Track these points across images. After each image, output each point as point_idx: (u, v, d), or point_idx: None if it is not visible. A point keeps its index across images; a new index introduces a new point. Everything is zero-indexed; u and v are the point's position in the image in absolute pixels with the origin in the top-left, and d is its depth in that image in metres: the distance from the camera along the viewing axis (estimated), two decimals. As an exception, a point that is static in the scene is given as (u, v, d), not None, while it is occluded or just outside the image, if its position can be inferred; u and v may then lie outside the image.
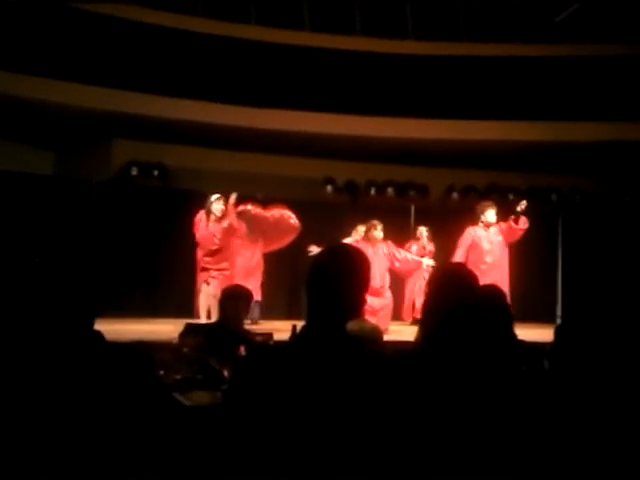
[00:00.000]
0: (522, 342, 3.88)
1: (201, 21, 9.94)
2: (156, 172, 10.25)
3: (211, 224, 7.80)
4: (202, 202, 8.27)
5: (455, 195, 11.18)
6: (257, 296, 7.78)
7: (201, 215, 7.85)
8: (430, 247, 9.06)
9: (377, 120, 10.05)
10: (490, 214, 8.01)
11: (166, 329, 6.21)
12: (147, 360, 2.00)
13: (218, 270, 7.84)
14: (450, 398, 1.94)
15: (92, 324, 1.96)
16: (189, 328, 4.42)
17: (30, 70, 8.74)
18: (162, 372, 3.01)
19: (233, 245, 8.08)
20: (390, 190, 11.02)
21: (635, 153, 10.27)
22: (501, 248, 8.01)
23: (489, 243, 7.98)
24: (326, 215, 9.51)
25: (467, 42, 10.69)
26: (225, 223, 7.79)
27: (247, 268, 8.14)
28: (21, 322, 1.90)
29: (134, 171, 10.13)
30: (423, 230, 9.25)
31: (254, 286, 7.64)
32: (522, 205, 7.90)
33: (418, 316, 8.32)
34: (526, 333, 5.65)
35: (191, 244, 8.02)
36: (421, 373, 1.99)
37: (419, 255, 8.61)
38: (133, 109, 9.15)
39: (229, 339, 3.83)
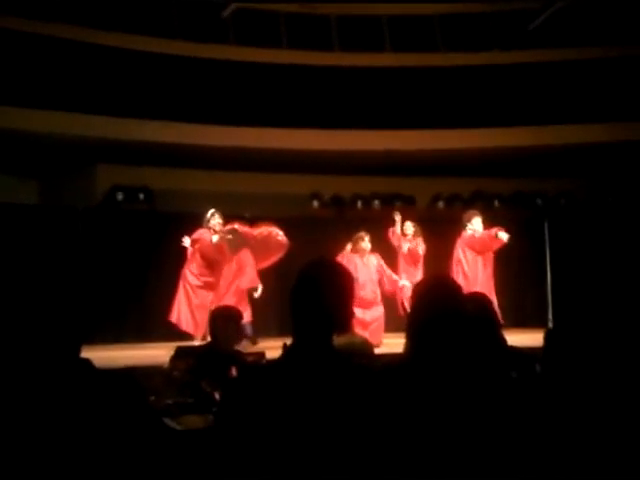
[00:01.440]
0: (514, 348, 3.89)
1: (180, 43, 9.97)
2: (141, 195, 10.23)
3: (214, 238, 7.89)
4: (189, 223, 8.27)
5: (441, 204, 11.23)
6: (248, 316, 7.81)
7: (202, 231, 7.91)
8: (422, 246, 8.84)
9: (361, 133, 10.10)
10: (477, 222, 8.06)
11: (157, 354, 6.17)
12: (137, 387, 1.98)
13: (209, 288, 7.88)
14: (440, 409, 1.94)
15: (79, 352, 1.95)
16: (180, 351, 4.39)
17: (10, 101, 8.73)
18: (153, 398, 2.99)
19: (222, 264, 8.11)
20: (376, 202, 11.06)
21: (618, 154, 10.36)
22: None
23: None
24: (314, 230, 9.52)
25: (445, 52, 10.78)
26: (215, 238, 7.86)
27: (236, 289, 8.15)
28: (6, 351, 1.88)
29: (119, 196, 10.11)
30: (409, 225, 8.78)
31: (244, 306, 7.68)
32: (503, 236, 7.93)
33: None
34: (517, 338, 5.66)
35: (180, 265, 8.02)
36: (409, 385, 1.99)
37: (409, 251, 8.56)
38: (115, 134, 9.15)
39: (220, 361, 3.81)
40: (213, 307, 7.25)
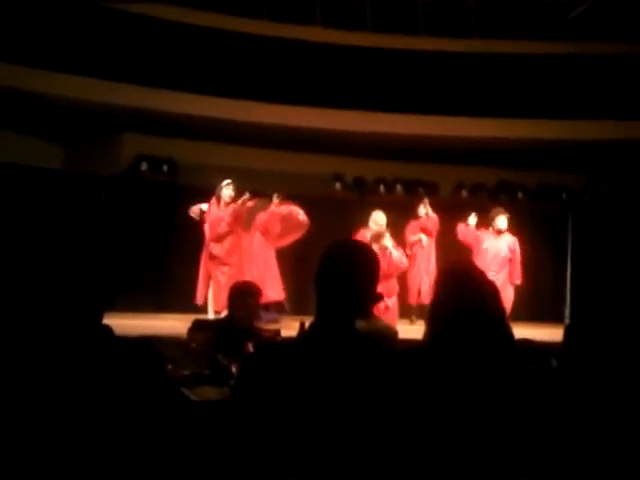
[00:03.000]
0: (529, 341, 3.87)
1: (212, 16, 9.92)
2: (165, 167, 10.25)
3: (221, 209, 7.85)
4: (211, 197, 8.27)
5: (464, 193, 11.14)
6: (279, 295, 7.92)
7: (212, 200, 7.91)
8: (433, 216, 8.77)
9: (387, 117, 10.02)
10: (501, 220, 7.99)
11: (174, 324, 6.22)
12: (155, 355, 1.99)
13: (227, 264, 7.87)
14: (458, 395, 1.93)
15: (101, 318, 1.96)
16: (197, 324, 4.42)
17: (41, 64, 8.76)
18: (170, 367, 3.02)
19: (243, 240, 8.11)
20: (399, 187, 11.00)
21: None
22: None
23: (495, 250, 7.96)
24: (334, 212, 9.50)
25: (479, 39, 10.64)
26: (229, 208, 7.82)
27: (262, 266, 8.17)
28: (29, 317, 1.90)
29: (143, 166, 10.13)
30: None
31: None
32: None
33: (424, 301, 8.40)
34: (534, 332, 5.65)
35: (200, 238, 8.04)
36: (430, 370, 1.98)
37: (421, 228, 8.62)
38: (143, 103, 9.16)
39: (237, 335, 3.83)
40: (226, 281, 7.30)
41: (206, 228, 7.91)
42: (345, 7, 10.62)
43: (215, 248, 7.87)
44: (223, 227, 7.82)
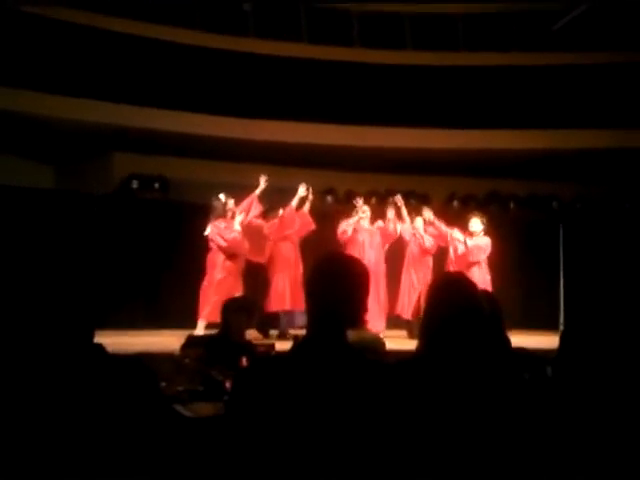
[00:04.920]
0: (523, 350, 3.87)
1: (199, 34, 9.98)
2: (157, 185, 10.25)
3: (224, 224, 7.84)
4: (203, 213, 8.27)
5: (456, 203, 11.18)
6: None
7: (218, 221, 7.85)
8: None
9: (378, 130, 10.07)
10: (474, 223, 8.34)
11: (168, 341, 6.20)
12: (149, 372, 1.99)
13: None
14: (451, 406, 1.93)
15: (92, 337, 1.96)
16: (191, 340, 4.41)
17: (29, 85, 8.77)
18: (164, 384, 3.00)
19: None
20: (391, 200, 10.99)
21: (636, 160, 10.27)
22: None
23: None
24: (327, 226, 9.49)
25: (467, 51, 10.73)
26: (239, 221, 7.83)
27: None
28: (20, 336, 1.89)
29: (134, 184, 10.14)
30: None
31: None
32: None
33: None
34: (528, 340, 5.65)
35: (194, 254, 8.05)
36: (421, 381, 1.98)
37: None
38: (132, 122, 9.18)
39: (231, 350, 3.82)
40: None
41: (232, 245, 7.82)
42: (331, 23, 10.70)
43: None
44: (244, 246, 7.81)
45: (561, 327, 10.22)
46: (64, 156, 10.60)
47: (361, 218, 8.54)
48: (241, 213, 7.95)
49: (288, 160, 10.26)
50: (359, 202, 8.75)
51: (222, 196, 7.98)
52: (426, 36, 10.84)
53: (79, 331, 1.89)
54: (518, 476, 1.91)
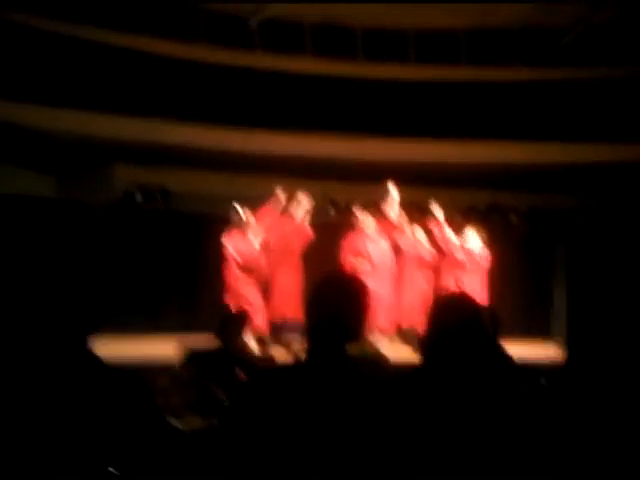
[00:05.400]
0: (518, 361, 3.87)
1: (203, 48, 10.03)
2: (159, 196, 10.27)
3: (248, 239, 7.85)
4: (205, 224, 8.31)
5: (457, 215, 11.17)
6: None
7: (235, 235, 7.85)
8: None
9: (379, 143, 10.09)
10: (469, 234, 8.60)
11: (166, 348, 6.20)
12: (144, 386, 1.99)
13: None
14: (449, 421, 1.93)
15: (89, 348, 1.96)
16: (190, 354, 4.40)
17: (32, 98, 8.81)
18: (160, 397, 2.99)
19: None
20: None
21: (636, 173, 10.28)
22: None
23: None
24: (329, 237, 9.50)
25: (467, 66, 10.76)
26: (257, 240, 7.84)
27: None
28: (18, 344, 1.89)
29: (137, 195, 10.16)
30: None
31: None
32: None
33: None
34: (523, 349, 5.64)
35: (195, 264, 8.06)
36: (420, 395, 1.98)
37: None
38: (134, 135, 9.20)
39: (229, 364, 3.81)
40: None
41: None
42: (334, 37, 10.74)
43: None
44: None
45: (555, 336, 10.24)
46: (66, 168, 10.63)
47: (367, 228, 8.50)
48: (260, 227, 7.96)
49: (289, 171, 10.28)
50: (359, 212, 8.75)
51: (239, 209, 7.99)
52: (429, 51, 10.88)
53: (76, 341, 1.89)
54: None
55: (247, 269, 7.79)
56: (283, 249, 8.32)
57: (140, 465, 1.87)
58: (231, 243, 7.83)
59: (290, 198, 8.61)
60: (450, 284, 8.45)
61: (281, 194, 8.21)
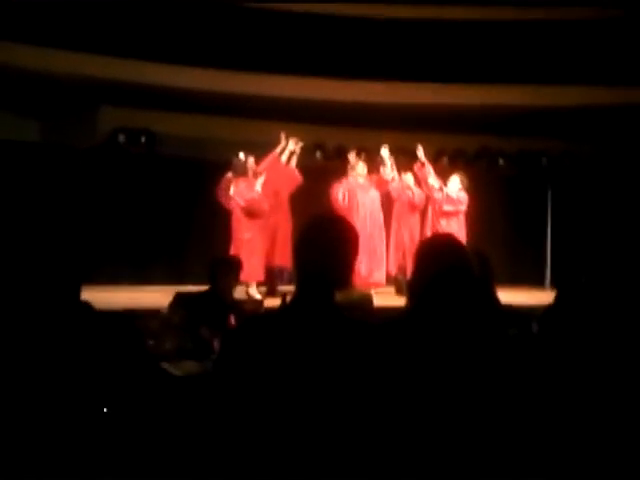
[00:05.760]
0: (510, 306, 3.91)
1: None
2: (143, 139, 10.12)
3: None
4: (190, 168, 8.22)
5: (445, 160, 11.14)
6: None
7: (233, 180, 7.85)
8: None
9: (366, 85, 9.94)
10: (452, 180, 8.71)
11: (154, 297, 6.21)
12: (136, 331, 1.99)
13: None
14: (438, 365, 1.94)
15: (79, 293, 1.94)
16: (179, 297, 4.40)
17: (12, 37, 8.56)
18: (152, 342, 3.00)
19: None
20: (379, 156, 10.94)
21: (625, 118, 10.25)
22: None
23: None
24: (316, 181, 9.46)
25: (457, 5, 10.55)
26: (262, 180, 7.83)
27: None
28: (5, 292, 1.87)
29: (121, 138, 10.00)
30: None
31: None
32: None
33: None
34: (515, 297, 5.71)
35: (180, 209, 8.01)
36: (407, 339, 1.99)
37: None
38: (119, 75, 9.00)
39: (219, 309, 3.82)
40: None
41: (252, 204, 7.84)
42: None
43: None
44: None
45: (547, 284, 10.33)
46: (49, 110, 10.43)
47: (357, 176, 8.52)
48: (263, 172, 7.94)
49: (275, 114, 10.15)
50: (353, 157, 8.70)
51: (242, 155, 7.99)
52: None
53: (66, 286, 1.88)
54: (504, 432, 1.93)
55: (250, 214, 7.80)
56: (275, 194, 8.29)
57: (134, 409, 1.88)
58: (234, 188, 7.82)
59: (279, 141, 8.52)
60: (433, 227, 8.54)
61: (282, 138, 8.14)
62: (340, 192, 8.49)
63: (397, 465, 1.82)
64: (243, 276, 7.58)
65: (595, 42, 10.23)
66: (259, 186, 7.84)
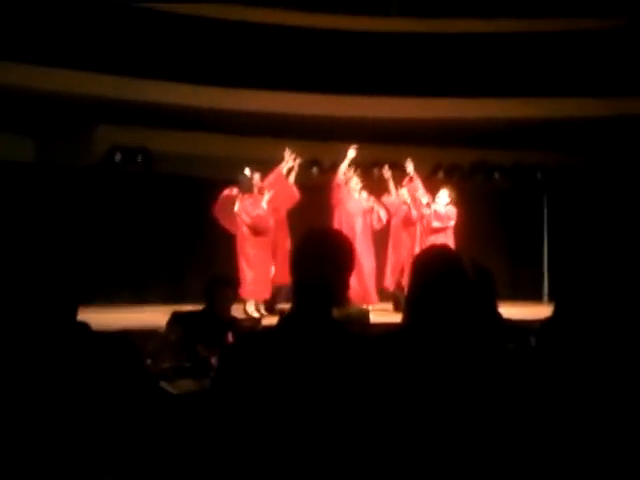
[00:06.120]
0: (508, 320, 3.90)
1: (181, 3, 9.79)
2: (140, 157, 10.13)
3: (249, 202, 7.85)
4: (187, 186, 8.21)
5: (441, 174, 11.17)
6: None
7: (239, 196, 7.87)
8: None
9: (362, 100, 9.99)
10: (442, 194, 8.69)
11: (153, 317, 6.19)
12: (133, 350, 1.98)
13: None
14: (435, 378, 1.94)
15: (75, 314, 1.94)
16: (176, 316, 4.39)
17: (9, 56, 8.59)
18: (149, 361, 2.99)
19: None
20: (376, 171, 10.96)
21: (620, 130, 10.29)
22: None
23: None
24: (313, 197, 9.48)
25: (451, 19, 10.62)
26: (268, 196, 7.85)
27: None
28: (1, 312, 1.87)
29: (117, 157, 10.01)
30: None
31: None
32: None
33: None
34: (512, 311, 5.69)
35: (178, 227, 7.99)
36: (404, 353, 1.98)
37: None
38: (115, 94, 9.02)
39: (217, 326, 3.81)
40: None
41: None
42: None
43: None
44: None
45: (545, 298, 10.32)
46: (45, 129, 10.44)
47: (353, 190, 8.55)
48: (269, 190, 7.95)
49: (271, 131, 10.18)
50: (350, 172, 8.72)
51: (247, 171, 7.99)
52: (412, 3, 10.72)
53: (62, 308, 1.87)
54: (501, 443, 1.92)
55: (256, 231, 7.82)
56: (275, 211, 8.30)
57: (132, 429, 1.87)
58: (239, 204, 7.85)
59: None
60: (421, 244, 8.54)
61: (287, 154, 8.16)
62: (339, 184, 8.53)
63: (395, 476, 1.81)
64: (249, 294, 7.66)
65: (589, 54, 10.30)
66: (265, 203, 7.86)
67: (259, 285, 7.71)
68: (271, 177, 8.18)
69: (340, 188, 8.55)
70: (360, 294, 7.94)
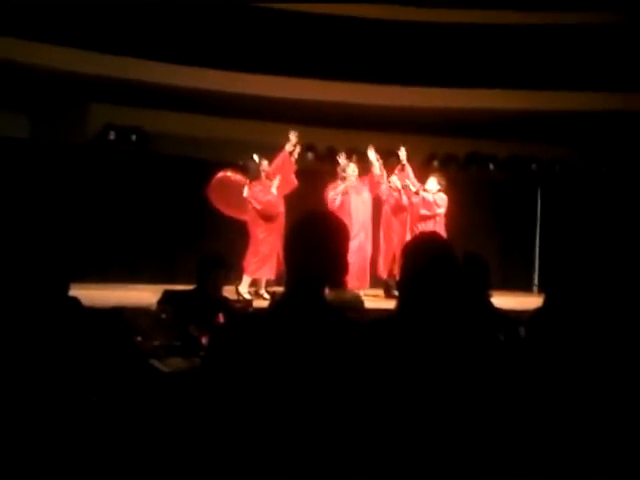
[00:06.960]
0: (498, 310, 3.93)
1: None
2: (134, 136, 10.09)
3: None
4: (181, 166, 8.16)
5: (435, 163, 11.17)
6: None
7: (247, 182, 7.90)
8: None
9: (359, 87, 9.96)
10: (430, 181, 8.67)
11: (144, 295, 6.19)
12: (124, 327, 1.99)
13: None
14: (425, 364, 1.95)
15: (67, 289, 1.94)
16: (168, 295, 4.39)
17: (4, 32, 8.51)
18: (140, 338, 3.00)
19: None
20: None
21: (615, 123, 10.31)
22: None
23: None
24: (308, 183, 9.46)
25: (449, 9, 10.59)
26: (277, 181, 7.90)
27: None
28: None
29: (111, 135, 9.97)
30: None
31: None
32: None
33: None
34: (503, 301, 5.73)
35: (170, 207, 7.97)
36: (396, 339, 1.99)
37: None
38: (110, 72, 8.97)
39: (208, 306, 3.82)
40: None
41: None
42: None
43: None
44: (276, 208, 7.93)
45: (535, 288, 10.38)
46: (40, 106, 10.38)
47: (349, 178, 8.48)
48: (276, 175, 7.97)
49: (267, 115, 10.15)
50: (343, 159, 8.68)
51: (256, 157, 8.01)
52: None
53: (54, 283, 1.87)
54: (490, 431, 1.94)
55: (266, 217, 7.84)
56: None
57: (122, 404, 1.87)
58: (248, 190, 7.87)
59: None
60: (411, 232, 8.56)
61: (291, 137, 8.14)
62: (334, 195, 8.46)
63: (386, 463, 1.82)
64: (253, 272, 7.72)
65: (586, 48, 10.30)
66: (274, 188, 7.89)
67: (265, 264, 7.77)
68: (278, 160, 8.17)
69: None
70: (356, 278, 7.97)
